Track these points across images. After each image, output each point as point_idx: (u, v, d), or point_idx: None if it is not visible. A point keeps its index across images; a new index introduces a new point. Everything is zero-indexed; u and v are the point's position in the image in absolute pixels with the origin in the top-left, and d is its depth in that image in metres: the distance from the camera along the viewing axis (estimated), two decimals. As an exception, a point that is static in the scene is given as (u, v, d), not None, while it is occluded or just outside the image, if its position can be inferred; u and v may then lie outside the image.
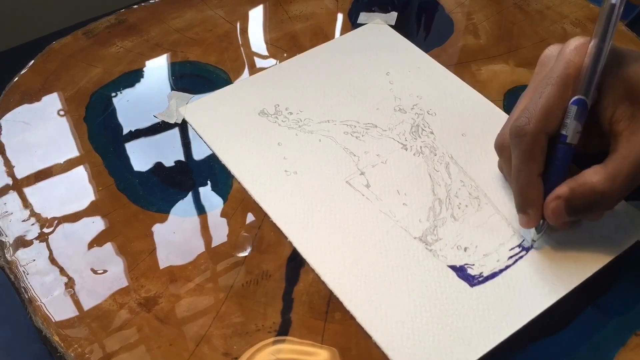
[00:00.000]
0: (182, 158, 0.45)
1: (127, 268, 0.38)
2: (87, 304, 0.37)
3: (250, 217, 0.41)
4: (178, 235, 0.40)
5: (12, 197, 0.42)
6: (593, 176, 0.34)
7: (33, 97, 0.50)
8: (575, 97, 0.35)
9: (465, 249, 0.39)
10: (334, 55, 0.52)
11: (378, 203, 0.41)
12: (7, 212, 0.41)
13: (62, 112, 0.48)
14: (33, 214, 0.41)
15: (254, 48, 0.54)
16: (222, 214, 0.41)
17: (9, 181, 0.43)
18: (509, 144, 0.37)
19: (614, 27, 0.35)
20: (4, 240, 0.40)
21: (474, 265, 0.38)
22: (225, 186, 0.43)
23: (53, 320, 0.36)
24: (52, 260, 0.39)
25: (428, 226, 0.40)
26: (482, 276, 0.37)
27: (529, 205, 0.37)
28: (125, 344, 0.35)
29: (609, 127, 0.35)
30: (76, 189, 0.43)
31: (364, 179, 0.43)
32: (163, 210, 0.42)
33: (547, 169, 0.37)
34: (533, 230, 0.38)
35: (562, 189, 0.35)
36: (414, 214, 0.41)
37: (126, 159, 0.45)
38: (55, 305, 0.36)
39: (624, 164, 0.33)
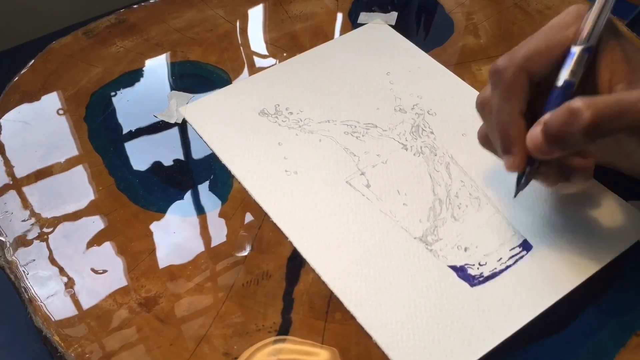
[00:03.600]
0: (182, 158, 0.45)
1: (127, 268, 0.38)
2: (87, 303, 0.37)
3: (250, 217, 0.41)
4: (178, 235, 0.40)
5: (12, 197, 0.42)
6: (574, 98, 0.32)
7: (33, 96, 0.50)
8: (584, 46, 0.34)
9: (465, 249, 0.39)
10: (334, 55, 0.52)
11: (378, 203, 0.41)
12: (7, 212, 0.41)
13: (62, 112, 0.48)
14: (33, 214, 0.41)
15: (254, 48, 0.54)
16: (222, 214, 0.41)
17: (9, 181, 0.43)
18: (489, 98, 0.36)
19: None
20: (4, 240, 0.40)
21: (474, 265, 0.38)
22: (225, 186, 0.43)
23: (53, 320, 0.36)
24: (52, 260, 0.39)
25: (428, 226, 0.40)
26: (483, 276, 0.37)
27: (512, 143, 0.35)
28: (125, 343, 0.35)
29: (607, 90, 0.34)
30: (76, 188, 0.43)
31: (364, 179, 0.43)
32: (163, 210, 0.42)
33: (540, 115, 0.35)
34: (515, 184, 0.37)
35: (544, 116, 0.33)
36: (414, 214, 0.41)
37: (126, 158, 0.45)
38: (55, 305, 0.36)
39: (610, 97, 0.32)
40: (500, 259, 0.38)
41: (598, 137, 0.32)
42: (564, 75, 0.35)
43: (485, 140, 0.39)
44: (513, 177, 0.38)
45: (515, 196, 0.38)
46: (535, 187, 0.41)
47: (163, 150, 0.45)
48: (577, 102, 0.32)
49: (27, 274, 0.38)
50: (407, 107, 0.48)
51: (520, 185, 0.37)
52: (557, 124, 0.32)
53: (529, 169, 0.36)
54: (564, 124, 0.32)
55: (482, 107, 0.38)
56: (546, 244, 0.39)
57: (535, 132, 0.33)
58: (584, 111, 0.31)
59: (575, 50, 0.35)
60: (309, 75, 0.51)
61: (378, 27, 0.56)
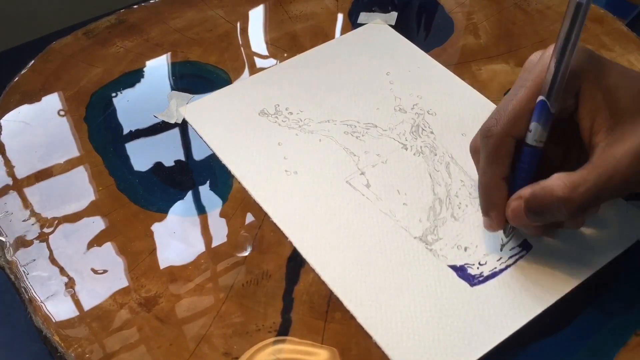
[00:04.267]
0: (182, 158, 0.45)
1: (127, 268, 0.38)
2: (88, 304, 0.37)
3: (250, 217, 0.41)
4: (178, 235, 0.40)
5: (13, 197, 0.42)
6: (556, 181, 0.33)
7: (33, 97, 0.50)
8: (538, 99, 0.34)
9: (465, 249, 0.39)
10: (334, 55, 0.52)
11: (378, 203, 0.41)
12: (7, 212, 0.41)
13: (62, 112, 0.48)
14: (33, 214, 0.41)
15: (254, 48, 0.54)
16: (222, 214, 0.41)
17: (9, 181, 0.43)
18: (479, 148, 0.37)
19: (581, 27, 0.33)
20: (4, 240, 0.40)
21: (474, 264, 0.38)
22: (225, 186, 0.43)
23: (53, 320, 0.36)
24: (52, 260, 0.39)
25: (428, 226, 0.40)
26: (482, 276, 0.37)
27: (491, 207, 0.36)
28: (125, 344, 0.35)
29: (588, 138, 0.34)
30: (76, 189, 0.43)
31: (364, 179, 0.43)
32: (163, 210, 0.42)
33: (514, 173, 0.36)
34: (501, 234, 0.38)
35: (525, 190, 0.34)
36: (414, 213, 0.41)
37: (126, 159, 0.45)
38: (55, 305, 0.36)
39: (591, 174, 0.32)
40: (500, 258, 0.38)
41: (584, 211, 0.34)
42: (530, 133, 0.35)
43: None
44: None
45: (501, 250, 0.39)
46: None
47: (163, 150, 0.46)
48: (559, 190, 0.32)
49: (27, 274, 0.38)
50: (407, 107, 0.48)
51: (504, 239, 0.38)
52: (542, 206, 0.33)
53: (510, 226, 0.37)
54: (547, 206, 0.33)
55: (474, 153, 0.39)
56: (546, 243, 0.39)
57: (517, 207, 0.34)
58: (568, 201, 0.32)
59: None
60: (309, 75, 0.51)
61: (378, 27, 0.56)
